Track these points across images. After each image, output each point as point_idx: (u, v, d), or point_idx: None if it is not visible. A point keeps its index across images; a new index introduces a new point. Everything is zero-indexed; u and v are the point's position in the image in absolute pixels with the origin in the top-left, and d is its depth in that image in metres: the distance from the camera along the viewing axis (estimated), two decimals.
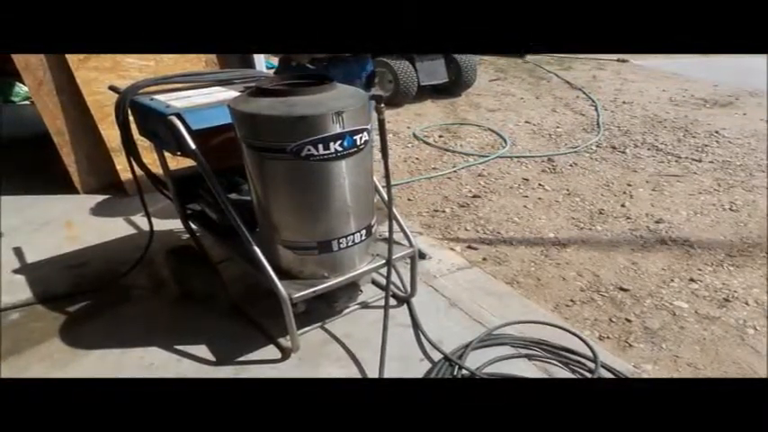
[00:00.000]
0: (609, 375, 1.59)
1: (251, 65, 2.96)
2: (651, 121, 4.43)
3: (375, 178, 1.70)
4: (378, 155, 1.56)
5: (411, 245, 1.77)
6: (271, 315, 1.71)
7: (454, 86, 5.42)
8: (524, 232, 2.67)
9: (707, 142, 3.88)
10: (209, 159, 1.53)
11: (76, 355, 1.73)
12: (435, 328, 1.79)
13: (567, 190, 3.16)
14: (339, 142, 1.36)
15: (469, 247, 2.53)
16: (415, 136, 4.21)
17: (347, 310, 1.87)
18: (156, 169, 1.97)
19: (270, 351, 1.72)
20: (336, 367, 1.64)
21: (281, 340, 1.72)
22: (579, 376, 1.60)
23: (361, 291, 1.86)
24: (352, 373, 1.62)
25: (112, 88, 1.82)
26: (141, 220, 2.62)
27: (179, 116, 1.49)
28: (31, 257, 2.35)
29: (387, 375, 1.55)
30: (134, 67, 2.76)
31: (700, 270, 2.29)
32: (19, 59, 2.56)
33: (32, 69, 2.61)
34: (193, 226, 1.95)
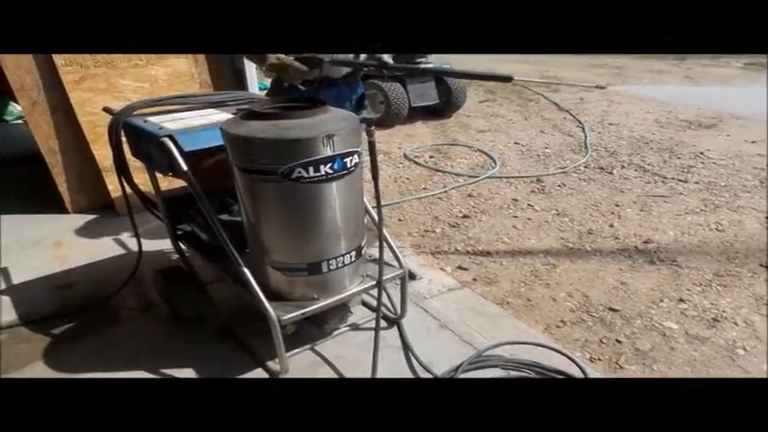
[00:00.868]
0: None
1: (244, 87, 3.00)
2: (637, 143, 4.52)
3: (365, 199, 1.71)
4: (368, 175, 1.58)
5: (401, 266, 1.77)
6: (260, 337, 1.69)
7: (444, 108, 5.52)
8: (514, 252, 2.69)
9: (692, 163, 3.96)
10: (201, 180, 1.54)
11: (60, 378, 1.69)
12: (425, 350, 1.78)
13: (556, 210, 3.20)
14: (330, 165, 1.38)
15: (460, 267, 2.54)
16: (405, 156, 4.26)
17: (337, 332, 1.86)
18: (147, 190, 1.97)
19: (258, 374, 1.70)
20: None
21: (270, 363, 1.70)
22: None
23: (351, 312, 1.86)
24: None
25: (107, 109, 1.83)
26: (130, 241, 2.60)
27: (172, 138, 1.51)
28: (18, 278, 2.32)
29: None
30: (128, 89, 2.79)
31: (688, 290, 2.31)
32: (14, 79, 2.58)
33: (27, 90, 2.63)
34: (183, 246, 1.94)
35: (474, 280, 2.43)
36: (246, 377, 1.60)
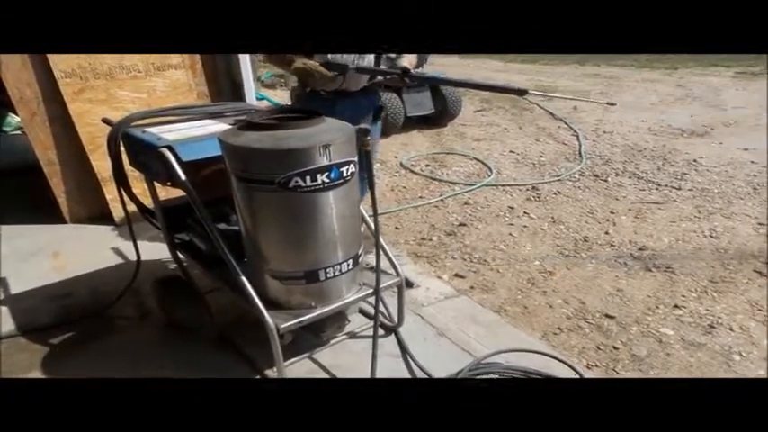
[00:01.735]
0: None
1: (241, 98, 3.03)
2: (631, 151, 4.57)
3: (362, 207, 1.73)
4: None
5: (398, 274, 1.79)
6: (257, 345, 1.70)
7: (440, 117, 5.56)
8: (510, 260, 2.71)
9: (686, 170, 4.00)
10: (199, 190, 1.56)
11: None
12: (423, 358, 1.79)
13: (552, 218, 3.22)
14: (326, 174, 1.40)
15: (457, 275, 2.56)
16: (402, 165, 4.29)
17: (334, 341, 1.86)
18: (146, 199, 1.99)
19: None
20: None
21: (268, 371, 1.71)
22: None
23: (348, 320, 1.87)
24: None
25: (106, 121, 1.85)
26: (128, 250, 2.61)
27: (170, 148, 1.53)
28: (16, 288, 2.32)
29: None
30: (127, 100, 2.81)
31: (684, 296, 2.33)
32: (14, 92, 2.60)
33: (26, 102, 2.65)
34: (181, 255, 1.95)
35: (471, 287, 2.44)
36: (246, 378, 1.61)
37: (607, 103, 2.68)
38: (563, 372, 1.73)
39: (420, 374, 1.72)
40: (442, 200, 3.52)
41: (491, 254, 2.77)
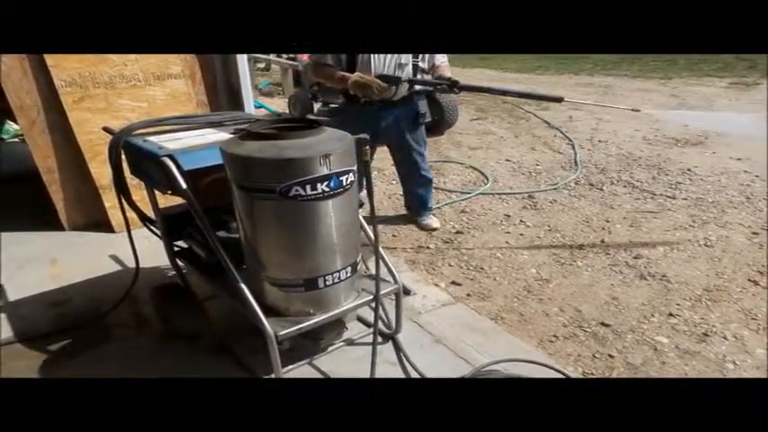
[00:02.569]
0: None
1: (240, 107, 3.06)
2: (626, 160, 4.61)
3: (360, 215, 1.75)
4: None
5: (396, 281, 1.80)
6: (255, 353, 1.71)
7: (437, 125, 5.59)
8: (507, 268, 2.73)
9: (680, 180, 4.04)
10: (199, 198, 1.57)
11: None
12: (421, 366, 1.79)
13: (548, 226, 3.25)
14: (326, 183, 1.42)
15: (453, 282, 2.57)
16: None
17: (332, 348, 1.87)
18: (145, 207, 2.00)
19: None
20: None
21: (266, 378, 1.71)
22: None
23: (346, 328, 1.88)
24: None
25: (106, 129, 1.87)
26: (127, 258, 2.61)
27: (172, 157, 1.55)
28: (13, 295, 2.32)
29: None
30: (127, 108, 2.83)
31: (678, 305, 2.35)
32: (14, 100, 2.61)
33: (26, 110, 2.67)
34: (180, 263, 1.96)
35: (468, 295, 2.45)
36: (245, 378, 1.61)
37: (632, 110, 2.77)
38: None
39: (419, 377, 1.72)
40: (438, 208, 3.54)
41: (488, 262, 2.79)
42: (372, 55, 2.43)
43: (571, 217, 3.39)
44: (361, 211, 1.74)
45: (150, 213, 1.99)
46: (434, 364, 1.82)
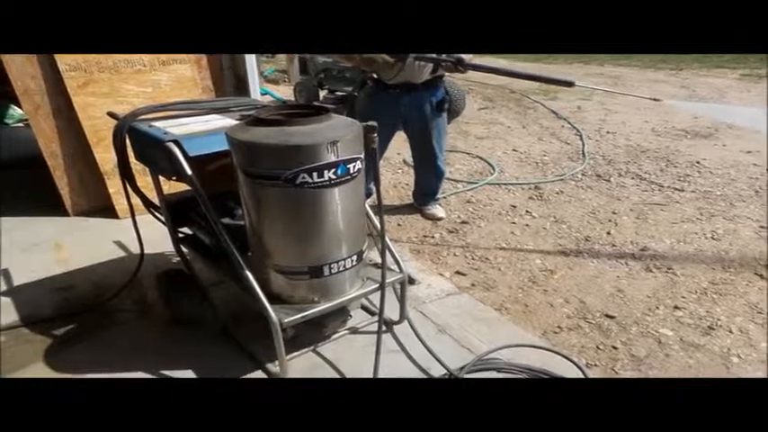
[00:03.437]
0: None
1: (246, 92, 3.03)
2: (634, 151, 4.56)
3: (366, 204, 1.74)
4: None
5: (401, 270, 1.80)
6: (259, 339, 1.71)
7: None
8: (512, 258, 2.72)
9: (689, 172, 4.00)
10: (204, 184, 1.56)
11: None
12: (424, 355, 1.80)
13: (554, 217, 3.23)
14: (333, 170, 1.40)
15: (458, 272, 2.56)
16: (405, 162, 4.29)
17: (336, 336, 1.88)
18: (149, 193, 1.99)
19: (258, 377, 1.71)
20: None
21: (270, 365, 1.72)
22: None
23: (350, 316, 1.88)
24: None
25: (111, 114, 1.85)
26: (131, 243, 2.62)
27: (177, 143, 1.53)
28: (18, 280, 2.33)
29: None
30: (131, 93, 2.81)
31: (684, 297, 2.34)
32: (18, 84, 2.60)
33: (30, 94, 2.65)
34: (184, 249, 1.96)
35: (472, 285, 2.45)
36: (246, 378, 1.62)
37: (653, 99, 2.70)
38: (564, 368, 1.74)
39: (422, 367, 1.73)
40: (444, 197, 3.52)
41: (493, 252, 2.78)
42: None
43: (577, 208, 3.36)
44: (368, 200, 1.72)
45: (155, 199, 1.98)
46: (439, 352, 1.82)
